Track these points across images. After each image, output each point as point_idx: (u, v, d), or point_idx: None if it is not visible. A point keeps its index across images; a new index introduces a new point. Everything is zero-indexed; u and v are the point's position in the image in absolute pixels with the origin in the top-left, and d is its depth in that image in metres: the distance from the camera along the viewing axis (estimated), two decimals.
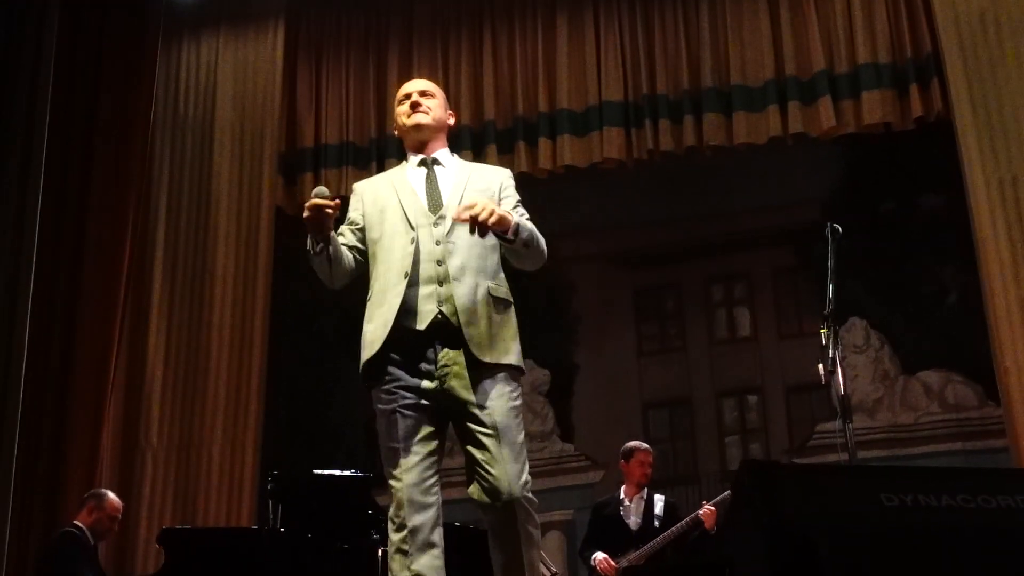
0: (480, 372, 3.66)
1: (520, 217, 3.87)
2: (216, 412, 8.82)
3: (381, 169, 9.28)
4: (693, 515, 7.02)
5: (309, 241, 3.78)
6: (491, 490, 3.60)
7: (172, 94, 9.63)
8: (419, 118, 4.01)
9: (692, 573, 6.90)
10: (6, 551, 7.79)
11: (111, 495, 7.42)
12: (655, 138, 8.90)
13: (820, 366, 4.63)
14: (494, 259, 3.90)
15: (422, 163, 4.01)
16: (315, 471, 7.14)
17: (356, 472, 7.03)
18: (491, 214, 3.57)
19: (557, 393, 9.75)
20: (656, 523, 7.14)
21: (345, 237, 3.97)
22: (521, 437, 3.71)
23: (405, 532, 3.62)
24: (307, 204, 3.67)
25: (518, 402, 3.73)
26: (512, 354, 3.76)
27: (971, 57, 8.19)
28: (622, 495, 7.27)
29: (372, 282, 3.90)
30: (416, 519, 3.61)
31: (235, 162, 9.37)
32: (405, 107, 4.04)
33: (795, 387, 9.30)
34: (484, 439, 3.62)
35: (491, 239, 3.78)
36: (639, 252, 9.87)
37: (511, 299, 3.88)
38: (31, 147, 8.60)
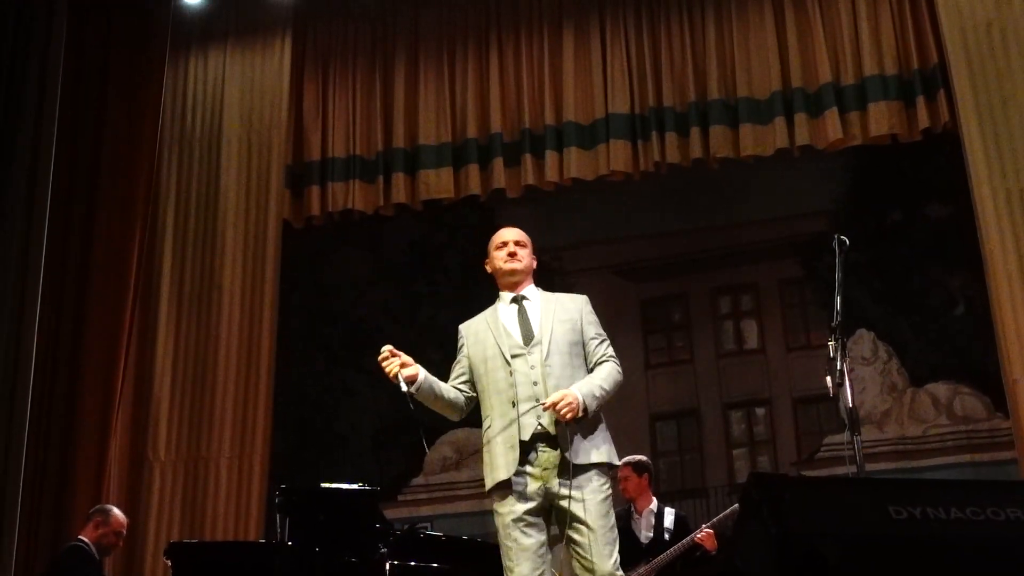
0: (575, 471, 4.33)
1: (591, 386, 4.47)
2: (224, 425, 8.82)
3: (388, 183, 9.35)
4: (690, 537, 6.98)
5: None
6: (588, 570, 4.29)
7: (179, 107, 9.66)
8: (515, 265, 4.79)
9: None
10: (14, 565, 7.79)
11: (116, 511, 7.42)
12: (662, 150, 8.91)
13: (828, 378, 4.61)
14: (581, 375, 4.56)
15: (514, 300, 4.76)
16: (323, 485, 7.13)
17: (364, 486, 7.02)
18: (570, 410, 4.30)
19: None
20: (667, 536, 7.12)
21: (457, 374, 4.75)
22: (611, 522, 4.39)
23: None
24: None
25: (608, 493, 4.43)
26: (602, 453, 4.46)
27: (977, 68, 8.19)
28: (632, 509, 7.26)
29: (484, 409, 4.61)
30: None
31: (242, 175, 9.39)
32: (503, 253, 4.80)
33: (803, 399, 9.27)
34: (581, 528, 4.30)
35: (578, 359, 4.58)
36: (645, 264, 9.85)
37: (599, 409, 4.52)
38: (38, 160, 8.63)
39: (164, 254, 9.29)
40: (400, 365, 4.51)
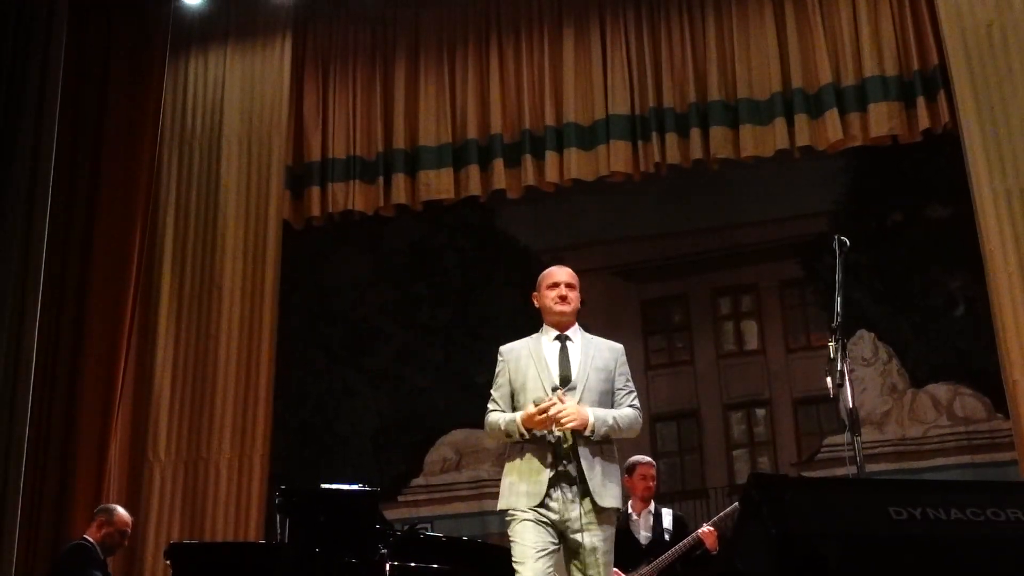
0: (593, 509, 4.67)
1: (605, 413, 4.80)
2: (224, 426, 8.83)
3: (388, 184, 9.35)
4: (693, 535, 6.99)
5: (520, 431, 4.77)
6: None
7: (179, 108, 9.67)
8: (564, 308, 5.00)
9: None
10: (14, 565, 7.79)
11: (121, 510, 7.42)
12: (662, 151, 8.91)
13: (828, 379, 4.61)
14: None
15: (558, 338, 4.97)
16: (323, 486, 7.12)
17: (364, 487, 7.02)
18: (570, 419, 4.65)
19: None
20: (666, 537, 7.12)
21: (501, 395, 4.97)
22: (611, 558, 4.76)
23: None
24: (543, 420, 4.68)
25: (612, 531, 4.78)
26: (616, 499, 4.78)
27: (978, 69, 8.19)
28: (630, 510, 7.26)
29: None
30: None
31: (242, 175, 9.40)
32: (554, 294, 5.00)
33: (803, 400, 9.26)
34: (587, 561, 4.64)
35: (607, 407, 4.84)
36: (646, 265, 9.84)
37: (615, 453, 4.88)
38: (38, 162, 8.63)
39: (164, 255, 9.29)
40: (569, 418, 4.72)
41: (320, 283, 10.36)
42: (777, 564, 2.70)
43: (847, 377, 4.58)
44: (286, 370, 9.49)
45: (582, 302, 5.12)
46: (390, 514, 7.94)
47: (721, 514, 7.13)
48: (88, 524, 7.45)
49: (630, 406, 4.92)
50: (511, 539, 4.73)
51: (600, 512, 4.70)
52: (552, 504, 4.69)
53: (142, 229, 9.09)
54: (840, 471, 7.87)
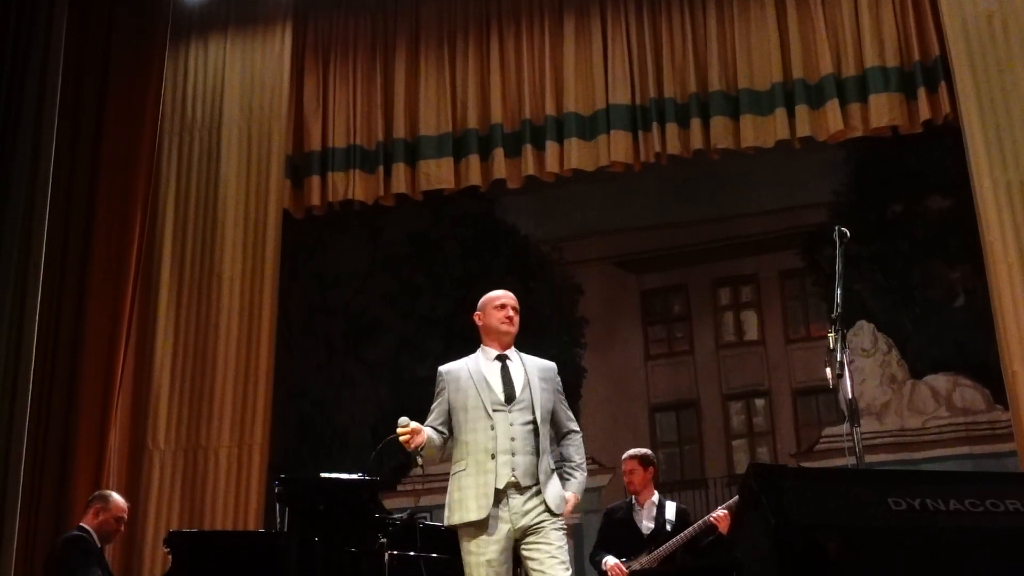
0: (540, 513, 4.89)
1: (580, 483, 5.17)
2: (223, 415, 8.83)
3: (388, 174, 9.36)
4: (706, 519, 6.97)
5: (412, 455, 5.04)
6: None
7: (180, 97, 9.66)
8: (511, 329, 5.19)
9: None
10: (14, 553, 7.80)
11: (116, 496, 7.41)
12: (662, 141, 8.90)
13: (828, 370, 4.62)
14: (547, 436, 5.08)
15: (498, 358, 5.15)
16: (323, 475, 7.14)
17: (363, 476, 7.03)
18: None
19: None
20: (668, 527, 7.11)
21: (436, 416, 5.13)
22: (564, 552, 4.91)
23: None
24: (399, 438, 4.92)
25: (564, 530, 4.96)
26: (561, 504, 4.97)
27: (979, 60, 8.18)
28: (633, 500, 7.26)
29: (459, 451, 5.05)
30: None
31: (242, 165, 9.39)
32: (502, 315, 5.18)
33: (802, 390, 9.27)
34: (544, 560, 4.82)
35: (547, 423, 5.07)
36: (646, 255, 9.84)
37: (554, 466, 5.11)
38: (39, 148, 8.62)
39: (164, 243, 9.29)
40: (416, 437, 4.93)
41: (320, 273, 10.36)
42: (776, 554, 2.70)
43: (846, 368, 4.59)
44: (286, 359, 9.49)
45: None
46: (389, 503, 7.95)
47: (735, 498, 7.08)
48: (84, 512, 7.45)
49: (575, 431, 5.25)
50: (464, 554, 4.92)
51: (552, 515, 4.92)
52: (499, 515, 4.87)
53: (142, 218, 9.09)
54: (839, 462, 7.88)
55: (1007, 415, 8.12)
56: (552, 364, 5.28)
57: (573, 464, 5.18)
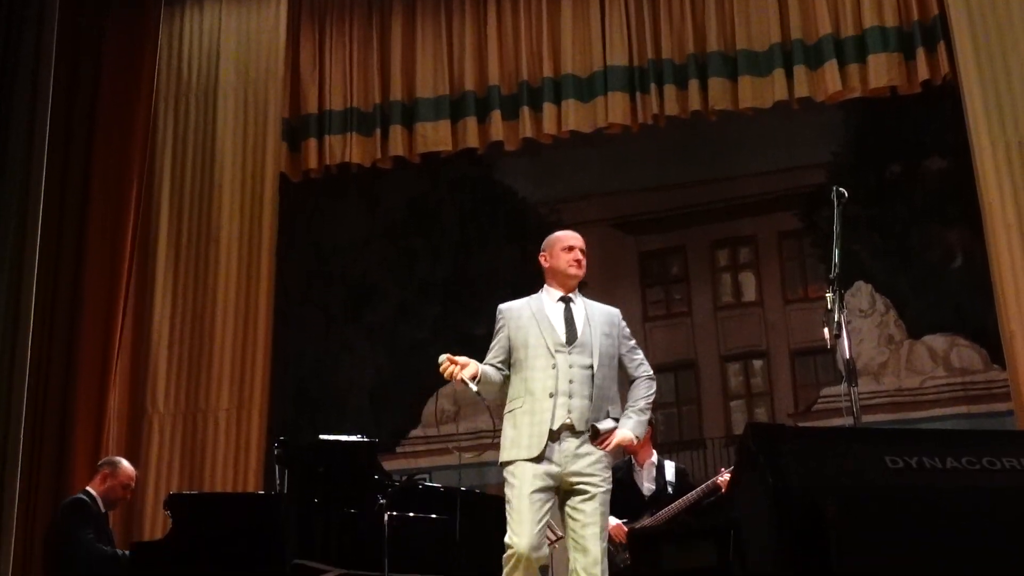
0: (590, 464, 4.83)
1: (639, 423, 5.02)
2: (222, 378, 8.85)
3: (385, 136, 9.33)
4: (711, 481, 6.96)
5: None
6: (581, 549, 4.76)
7: (175, 60, 9.61)
8: (580, 272, 5.17)
9: (696, 536, 6.91)
10: (15, 517, 7.83)
11: (125, 463, 7.44)
12: (660, 103, 8.87)
13: (825, 330, 4.62)
14: (613, 383, 5.05)
15: (562, 299, 5.11)
16: (321, 436, 7.16)
17: (362, 437, 7.05)
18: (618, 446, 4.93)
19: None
20: (669, 489, 7.12)
21: (496, 354, 5.07)
22: (605, 519, 4.85)
23: None
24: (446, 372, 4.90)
25: (609, 484, 4.89)
26: (605, 426, 4.88)
27: (978, 20, 8.14)
28: (632, 461, 7.26)
29: (515, 388, 4.99)
30: None
31: (239, 128, 9.36)
32: (571, 257, 5.16)
33: (800, 351, 9.28)
34: (585, 510, 4.78)
35: (613, 369, 5.04)
36: (644, 217, 9.83)
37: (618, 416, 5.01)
38: (35, 112, 8.59)
39: (161, 208, 9.27)
40: (461, 367, 4.87)
41: (317, 239, 10.34)
42: (774, 515, 2.71)
43: (844, 328, 4.58)
44: (283, 323, 9.49)
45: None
46: (388, 465, 7.98)
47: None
48: (91, 476, 7.48)
49: (646, 375, 5.13)
50: (507, 499, 4.85)
51: (600, 460, 4.86)
52: (551, 455, 4.81)
53: (139, 182, 9.06)
54: (837, 422, 7.91)
55: (1004, 375, 8.13)
56: (616, 310, 5.24)
57: (631, 405, 5.08)
